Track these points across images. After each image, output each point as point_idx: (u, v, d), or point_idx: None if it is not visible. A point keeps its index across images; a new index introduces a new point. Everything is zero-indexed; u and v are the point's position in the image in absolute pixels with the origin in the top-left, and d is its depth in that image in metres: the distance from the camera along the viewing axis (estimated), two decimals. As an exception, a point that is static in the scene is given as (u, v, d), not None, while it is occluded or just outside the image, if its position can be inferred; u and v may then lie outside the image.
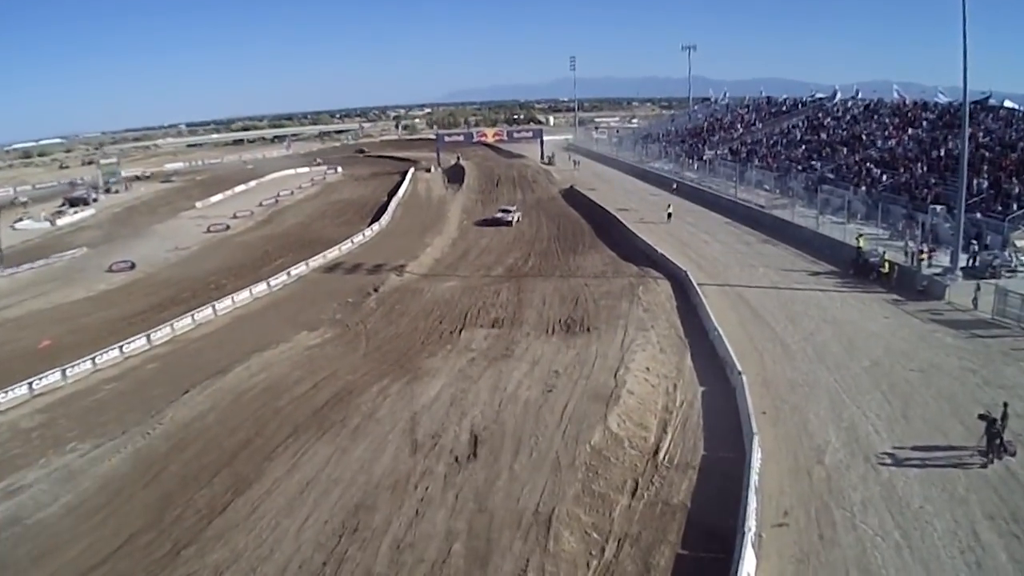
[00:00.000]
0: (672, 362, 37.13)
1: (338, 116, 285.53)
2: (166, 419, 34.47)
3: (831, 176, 69.89)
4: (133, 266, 67.12)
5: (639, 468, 27.75)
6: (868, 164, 68.85)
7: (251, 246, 75.22)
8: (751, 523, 21.86)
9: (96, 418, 36.22)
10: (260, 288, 56.08)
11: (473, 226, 78.39)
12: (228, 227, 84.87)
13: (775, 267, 51.86)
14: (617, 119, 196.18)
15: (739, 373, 32.63)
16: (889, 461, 26.42)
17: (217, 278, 61.46)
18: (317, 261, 63.66)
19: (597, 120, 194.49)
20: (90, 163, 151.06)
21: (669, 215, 69.26)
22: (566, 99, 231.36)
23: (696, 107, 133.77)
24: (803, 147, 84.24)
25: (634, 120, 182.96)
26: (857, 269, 47.67)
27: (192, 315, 49.83)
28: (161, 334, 47.04)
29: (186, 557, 24.34)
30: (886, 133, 75.86)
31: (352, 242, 70.64)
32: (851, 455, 27.08)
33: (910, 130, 73.78)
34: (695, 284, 46.88)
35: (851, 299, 43.96)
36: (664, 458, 28.24)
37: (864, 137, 77.64)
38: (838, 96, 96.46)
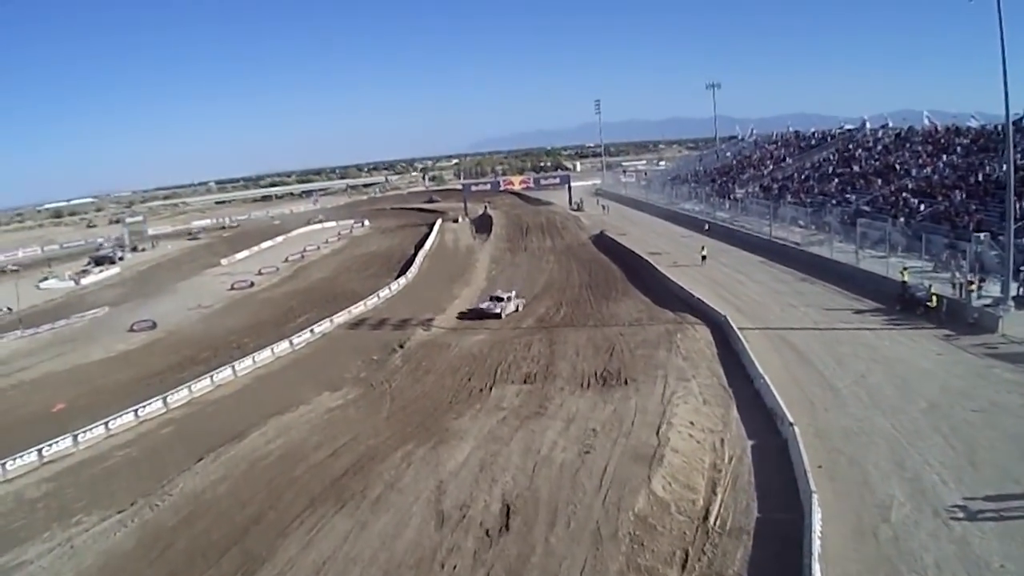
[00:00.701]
0: (717, 414, 34.54)
1: (366, 169, 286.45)
2: (176, 490, 32.46)
3: (867, 209, 67.88)
4: (154, 325, 66.15)
5: (688, 536, 25.02)
6: (904, 194, 66.76)
7: (275, 303, 73.76)
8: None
9: (105, 487, 34.30)
10: (282, 347, 54.23)
11: (501, 274, 76.51)
12: (252, 284, 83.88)
13: (816, 306, 49.31)
14: (644, 162, 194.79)
15: (790, 424, 30.08)
16: (961, 515, 23.66)
17: (239, 337, 59.83)
18: (342, 317, 61.79)
19: (624, 164, 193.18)
20: (117, 221, 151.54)
21: (703, 257, 67.22)
22: (592, 144, 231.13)
23: (723, 146, 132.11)
24: (836, 180, 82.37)
25: (661, 162, 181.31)
26: (903, 304, 45.35)
27: (211, 376, 48.04)
28: (178, 397, 45.26)
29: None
30: (920, 161, 73.79)
31: (378, 296, 68.75)
32: (918, 510, 24.34)
33: (944, 156, 71.66)
34: (735, 328, 44.47)
35: (900, 336, 41.38)
36: (715, 523, 25.53)
37: (897, 167, 75.66)
38: (867, 126, 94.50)
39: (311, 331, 57.60)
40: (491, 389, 41.25)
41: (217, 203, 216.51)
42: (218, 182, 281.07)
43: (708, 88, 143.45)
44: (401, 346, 51.70)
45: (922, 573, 21.18)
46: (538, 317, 57.69)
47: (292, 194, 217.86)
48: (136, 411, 42.59)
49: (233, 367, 49.78)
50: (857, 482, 26.69)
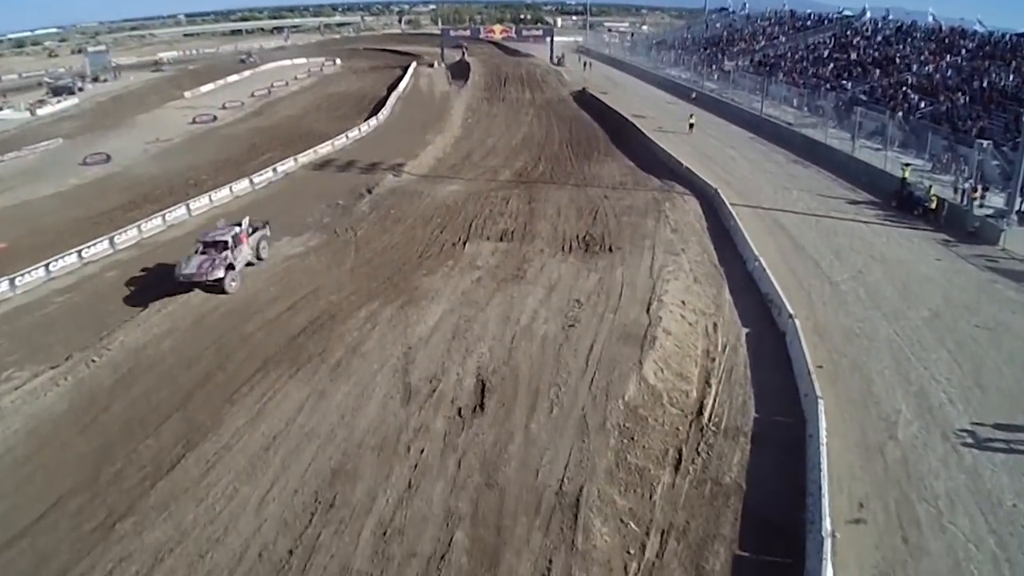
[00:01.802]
0: (709, 295, 31.09)
1: (340, 9, 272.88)
2: (116, 344, 28.51)
3: (864, 97, 63.08)
4: (108, 159, 60.80)
5: (681, 433, 21.93)
6: (904, 89, 62.16)
7: (238, 139, 68.01)
8: (825, 520, 16.57)
9: (41, 338, 29.99)
10: (242, 186, 49.49)
11: (477, 124, 71.29)
12: (215, 118, 77.78)
13: (810, 191, 45.30)
14: (627, 25, 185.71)
15: (790, 316, 26.90)
16: (970, 441, 20.97)
17: (197, 174, 54.73)
18: (307, 157, 56.81)
19: (607, 24, 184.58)
20: (80, 52, 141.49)
21: (691, 125, 62.50)
22: (573, 2, 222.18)
23: (713, 16, 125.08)
24: (831, 65, 77.16)
25: (644, 27, 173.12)
26: (901, 202, 41.76)
27: (163, 215, 43.41)
28: (126, 237, 40.66)
29: (121, 533, 18.72)
30: (922, 58, 68.85)
31: (347, 137, 63.44)
32: (926, 430, 21.53)
33: (948, 57, 66.75)
34: (727, 204, 40.76)
35: (897, 235, 37.64)
36: (710, 420, 22.51)
37: (898, 60, 70.64)
38: (868, 14, 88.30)
39: (273, 170, 52.76)
40: (465, 244, 37.28)
41: (185, 36, 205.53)
42: (188, 15, 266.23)
43: None
44: (369, 191, 47.30)
45: (934, 504, 18.65)
46: (515, 171, 53.41)
47: (263, 30, 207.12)
48: (80, 252, 38.07)
49: (188, 206, 45.13)
50: (860, 390, 23.79)
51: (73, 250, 37.88)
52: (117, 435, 22.97)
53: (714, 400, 23.53)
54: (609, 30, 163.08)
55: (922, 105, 56.99)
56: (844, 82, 69.78)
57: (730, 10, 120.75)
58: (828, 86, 69.53)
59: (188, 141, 68.53)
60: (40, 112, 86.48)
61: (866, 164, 47.94)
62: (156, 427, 23.17)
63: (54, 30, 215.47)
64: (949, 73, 62.55)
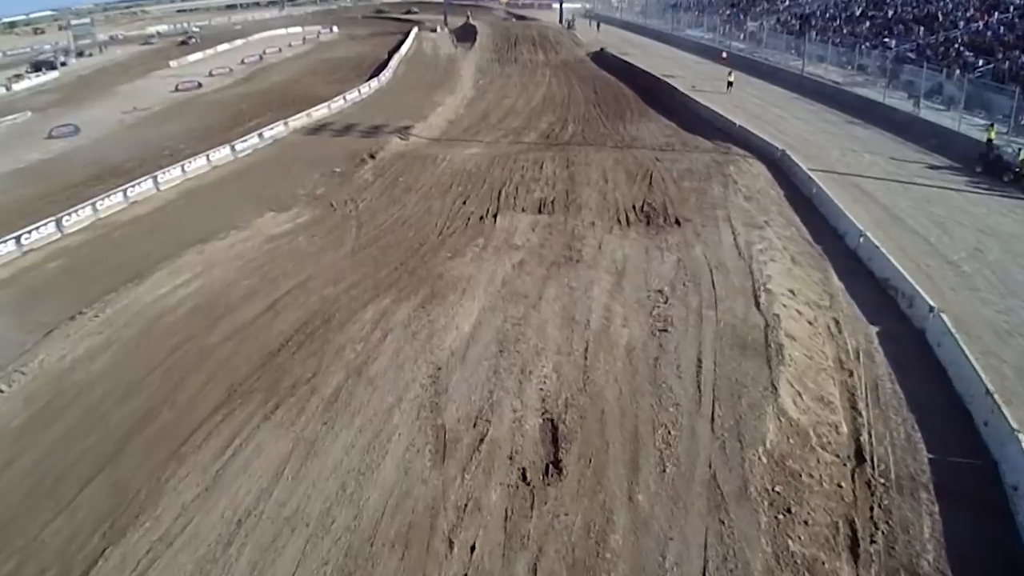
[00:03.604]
0: (815, 280, 23.35)
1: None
2: (34, 364, 20.42)
3: (911, 56, 55.89)
4: (77, 131, 52.69)
5: (846, 492, 14.41)
6: (957, 46, 55.37)
7: (224, 105, 59.17)
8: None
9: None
10: (221, 154, 40.91)
11: (490, 85, 62.34)
12: (200, 85, 68.90)
13: (881, 154, 37.67)
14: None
15: (932, 310, 19.89)
16: None
17: (175, 143, 46.02)
18: (299, 121, 48.10)
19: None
20: (66, 27, 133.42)
21: (730, 83, 54.23)
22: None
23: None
24: (867, 23, 69.78)
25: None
26: (987, 166, 34.80)
27: (124, 191, 35.03)
28: (78, 218, 32.44)
29: None
30: (968, 15, 61.19)
31: (344, 99, 54.62)
32: None
33: (996, 14, 59.06)
34: (803, 168, 32.92)
35: (997, 205, 30.27)
36: (875, 468, 15.00)
37: (940, 17, 63.20)
38: None
39: (259, 135, 44.12)
40: (496, 217, 28.94)
41: (179, 11, 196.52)
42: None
43: None
44: (372, 156, 38.70)
45: None
46: (541, 132, 44.82)
47: (259, 4, 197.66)
48: (19, 238, 29.94)
49: (155, 178, 36.81)
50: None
51: (11, 235, 29.77)
52: (15, 511, 14.92)
53: (870, 435, 16.09)
54: None
55: (979, 63, 50.56)
56: (886, 40, 63.03)
57: None
58: (869, 44, 63.07)
59: (168, 109, 59.85)
60: (16, 87, 79.00)
61: (935, 125, 41.36)
62: (71, 499, 15.06)
63: (48, 12, 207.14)
64: (1002, 30, 55.87)
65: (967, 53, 52.99)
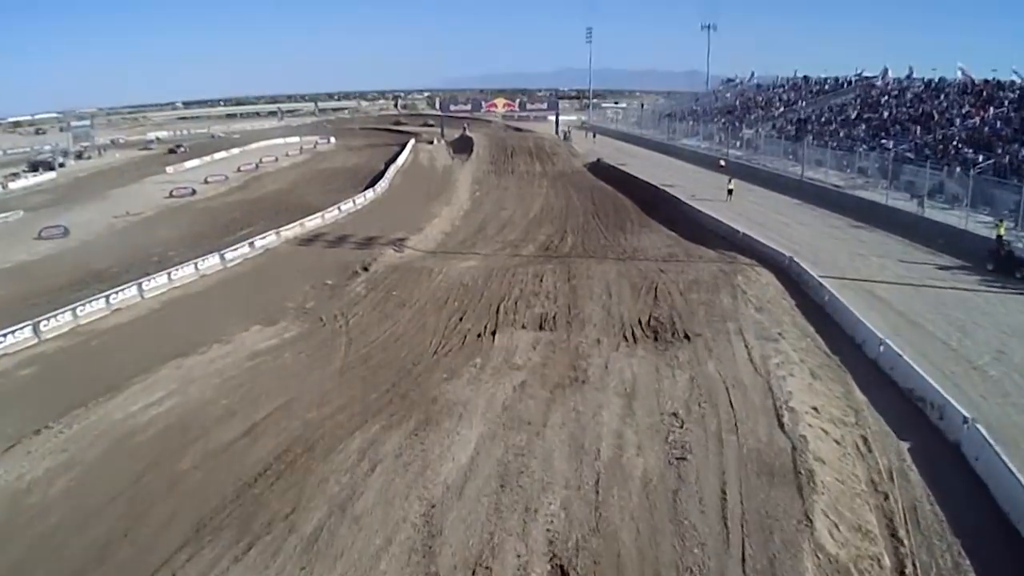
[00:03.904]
0: (837, 394, 21.78)
1: (336, 96, 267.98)
2: (-11, 483, 18.28)
3: (910, 156, 56.07)
4: (66, 232, 52.02)
5: None
6: (956, 143, 55.71)
7: (216, 212, 58.66)
8: None
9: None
10: (210, 263, 39.65)
11: (487, 196, 61.76)
12: (194, 192, 68.77)
13: (889, 257, 36.92)
14: (624, 104, 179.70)
15: (968, 422, 18.39)
16: None
17: (164, 250, 45.06)
18: (292, 231, 47.15)
19: (604, 105, 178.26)
20: (66, 129, 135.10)
21: (730, 191, 53.94)
22: (566, 88, 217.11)
23: (721, 87, 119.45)
24: (862, 125, 70.83)
25: (644, 105, 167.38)
26: (998, 264, 34.01)
27: (107, 297, 33.61)
28: (57, 323, 30.91)
29: None
30: (963, 112, 62.41)
31: (339, 210, 53.83)
32: None
33: (991, 109, 60.23)
34: (814, 275, 31.82)
35: (1014, 304, 29.53)
36: None
37: (936, 116, 64.19)
38: (890, 74, 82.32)
39: (250, 245, 43.01)
40: (494, 335, 27.25)
41: (180, 119, 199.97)
42: (185, 103, 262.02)
43: (703, 29, 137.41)
44: (365, 268, 37.38)
45: None
46: (540, 244, 43.80)
47: (258, 114, 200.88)
48: (-8, 344, 28.42)
49: (140, 286, 35.47)
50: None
51: (-12, 340, 28.23)
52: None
53: (915, 566, 14.66)
54: (616, 102, 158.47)
55: (979, 159, 50.80)
56: (884, 141, 63.62)
57: (737, 81, 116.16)
58: (867, 146, 63.62)
59: (160, 215, 59.45)
60: (12, 186, 79.92)
61: (941, 224, 41.20)
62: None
63: (54, 115, 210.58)
64: (998, 125, 56.81)
65: (966, 150, 53.70)
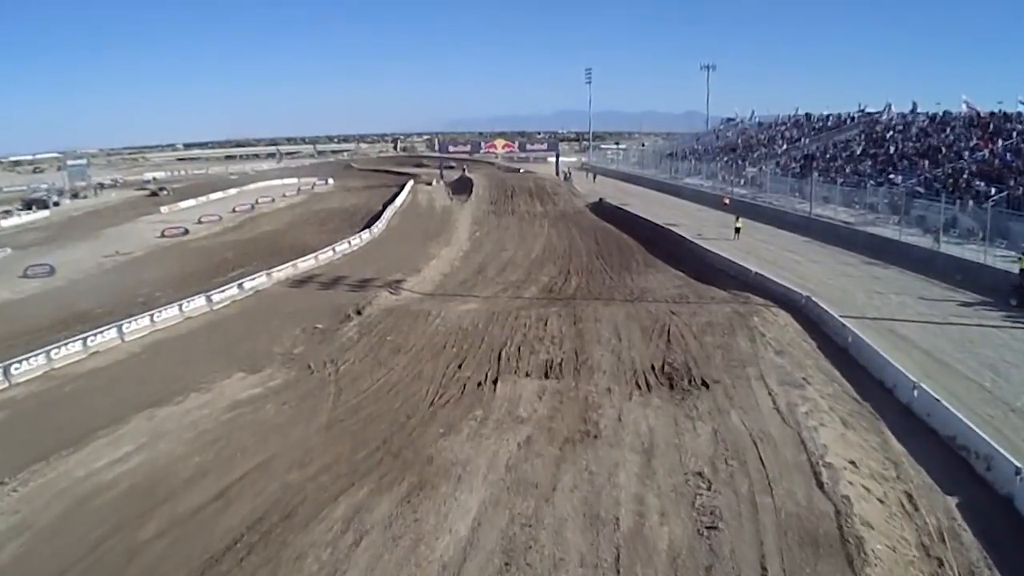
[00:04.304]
0: (873, 445, 19.83)
1: (336, 139, 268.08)
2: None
3: (921, 190, 55.34)
4: (52, 271, 50.60)
5: None
6: (966, 176, 54.98)
7: (208, 252, 56.78)
8: None
9: None
10: (195, 304, 37.56)
11: (487, 236, 59.93)
12: (186, 231, 67.25)
13: (908, 294, 35.30)
14: (623, 146, 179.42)
15: (1021, 472, 16.75)
16: None
17: (152, 290, 43.16)
18: (284, 272, 45.06)
19: (604, 147, 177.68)
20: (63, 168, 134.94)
21: (737, 229, 52.38)
22: (565, 131, 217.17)
23: (721, 126, 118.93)
24: (869, 161, 69.87)
25: (644, 144, 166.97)
26: (1022, 298, 32.94)
27: (84, 340, 31.55)
28: (30, 366, 28.85)
29: None
30: (972, 144, 61.51)
31: (334, 251, 51.78)
32: None
33: (1000, 141, 59.46)
34: (835, 316, 29.87)
35: None
36: None
37: (944, 149, 63.33)
38: (893, 109, 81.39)
39: (239, 286, 40.90)
40: (496, 383, 24.91)
41: (179, 159, 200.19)
42: (186, 144, 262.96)
43: (703, 69, 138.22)
44: (359, 312, 35.06)
45: None
46: (543, 286, 41.65)
47: (257, 155, 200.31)
48: (-43, 390, 26.43)
49: (120, 328, 33.36)
50: None
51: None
52: None
53: None
54: (617, 143, 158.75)
55: (992, 192, 50.05)
56: (892, 176, 62.94)
57: (738, 120, 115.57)
58: (875, 181, 62.78)
59: (151, 255, 57.88)
60: (4, 223, 79.57)
61: (957, 259, 39.95)
62: None
63: (55, 155, 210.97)
64: (1008, 157, 55.98)
65: (977, 182, 52.54)
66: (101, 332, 32.52)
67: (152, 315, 35.10)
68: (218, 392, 25.23)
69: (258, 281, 42.38)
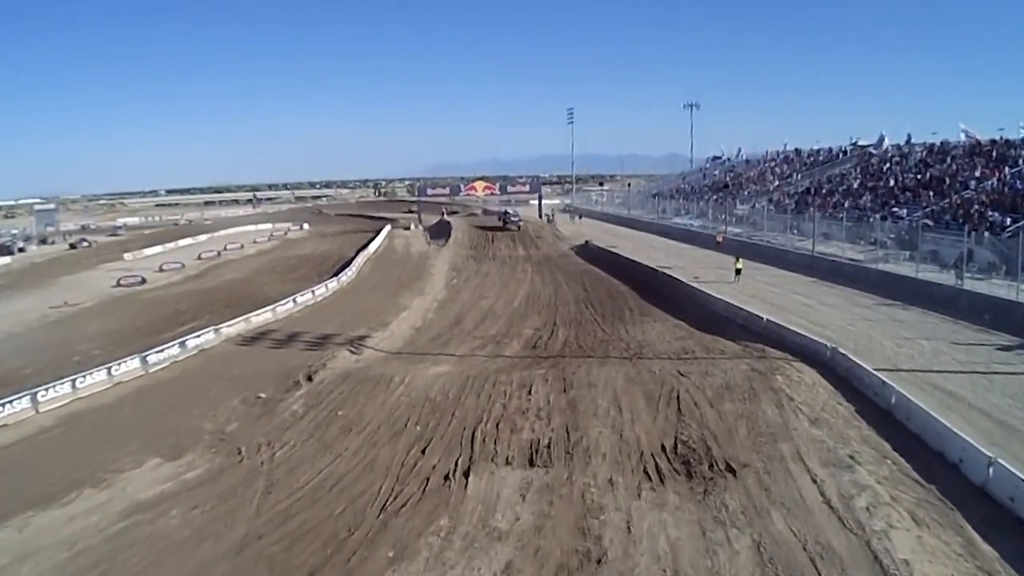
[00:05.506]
0: (957, 550, 15.32)
1: (318, 185, 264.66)
2: None
3: (929, 223, 51.35)
4: None
5: None
6: (977, 207, 52.01)
7: (162, 303, 51.35)
8: None
9: None
10: (127, 368, 32.23)
11: (465, 283, 54.68)
12: (143, 280, 61.91)
13: (938, 339, 31.16)
14: (608, 187, 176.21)
15: None
16: None
17: (90, 347, 38.17)
18: (235, 327, 39.67)
19: (587, 188, 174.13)
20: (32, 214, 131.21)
21: (738, 271, 47.81)
22: (547, 174, 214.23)
23: (708, 165, 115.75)
24: (867, 195, 67.17)
25: (629, 184, 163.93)
26: None
27: (-11, 412, 26.32)
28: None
29: None
30: (977, 173, 59.02)
31: (294, 302, 46.22)
32: None
33: (1007, 168, 57.09)
34: (869, 370, 25.23)
35: None
36: None
37: (947, 180, 60.54)
38: (886, 142, 78.83)
39: (181, 345, 35.46)
40: (467, 476, 19.64)
41: (157, 205, 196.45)
42: (168, 190, 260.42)
43: (686, 108, 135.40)
44: (309, 378, 29.58)
45: None
46: (526, 341, 36.21)
47: (236, 201, 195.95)
48: None
49: (34, 397, 28.19)
50: None
51: None
52: None
53: None
54: (600, 184, 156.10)
55: (1007, 222, 47.57)
56: (895, 209, 60.16)
57: (724, 158, 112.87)
58: (878, 215, 60.17)
59: (101, 305, 52.81)
60: None
61: (983, 296, 36.84)
62: None
63: (35, 200, 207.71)
64: (1019, 185, 53.79)
65: (991, 213, 50.20)
66: (12, 401, 27.55)
67: (74, 381, 29.94)
68: (120, 488, 19.96)
69: (204, 338, 36.93)
